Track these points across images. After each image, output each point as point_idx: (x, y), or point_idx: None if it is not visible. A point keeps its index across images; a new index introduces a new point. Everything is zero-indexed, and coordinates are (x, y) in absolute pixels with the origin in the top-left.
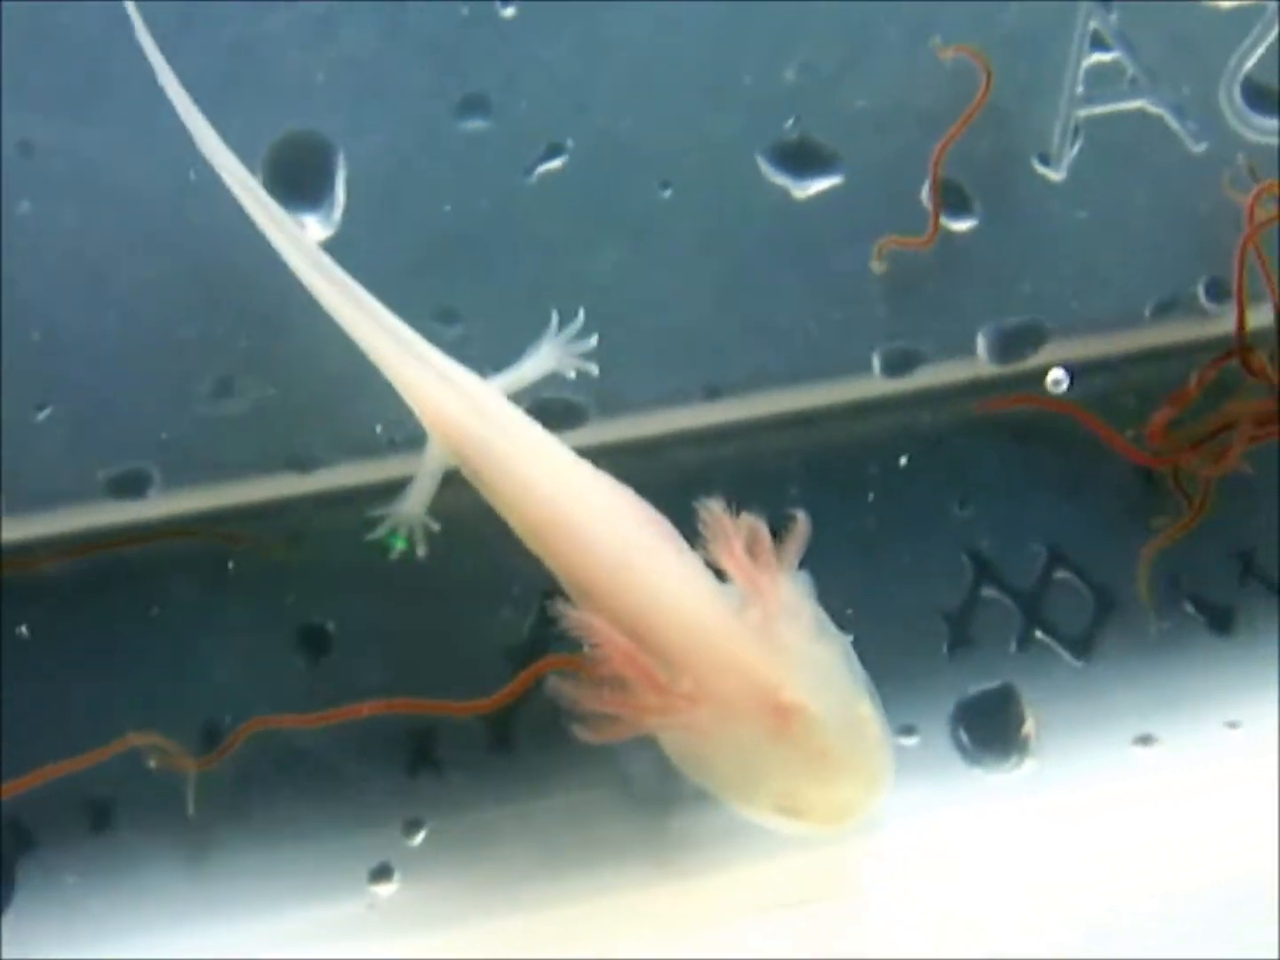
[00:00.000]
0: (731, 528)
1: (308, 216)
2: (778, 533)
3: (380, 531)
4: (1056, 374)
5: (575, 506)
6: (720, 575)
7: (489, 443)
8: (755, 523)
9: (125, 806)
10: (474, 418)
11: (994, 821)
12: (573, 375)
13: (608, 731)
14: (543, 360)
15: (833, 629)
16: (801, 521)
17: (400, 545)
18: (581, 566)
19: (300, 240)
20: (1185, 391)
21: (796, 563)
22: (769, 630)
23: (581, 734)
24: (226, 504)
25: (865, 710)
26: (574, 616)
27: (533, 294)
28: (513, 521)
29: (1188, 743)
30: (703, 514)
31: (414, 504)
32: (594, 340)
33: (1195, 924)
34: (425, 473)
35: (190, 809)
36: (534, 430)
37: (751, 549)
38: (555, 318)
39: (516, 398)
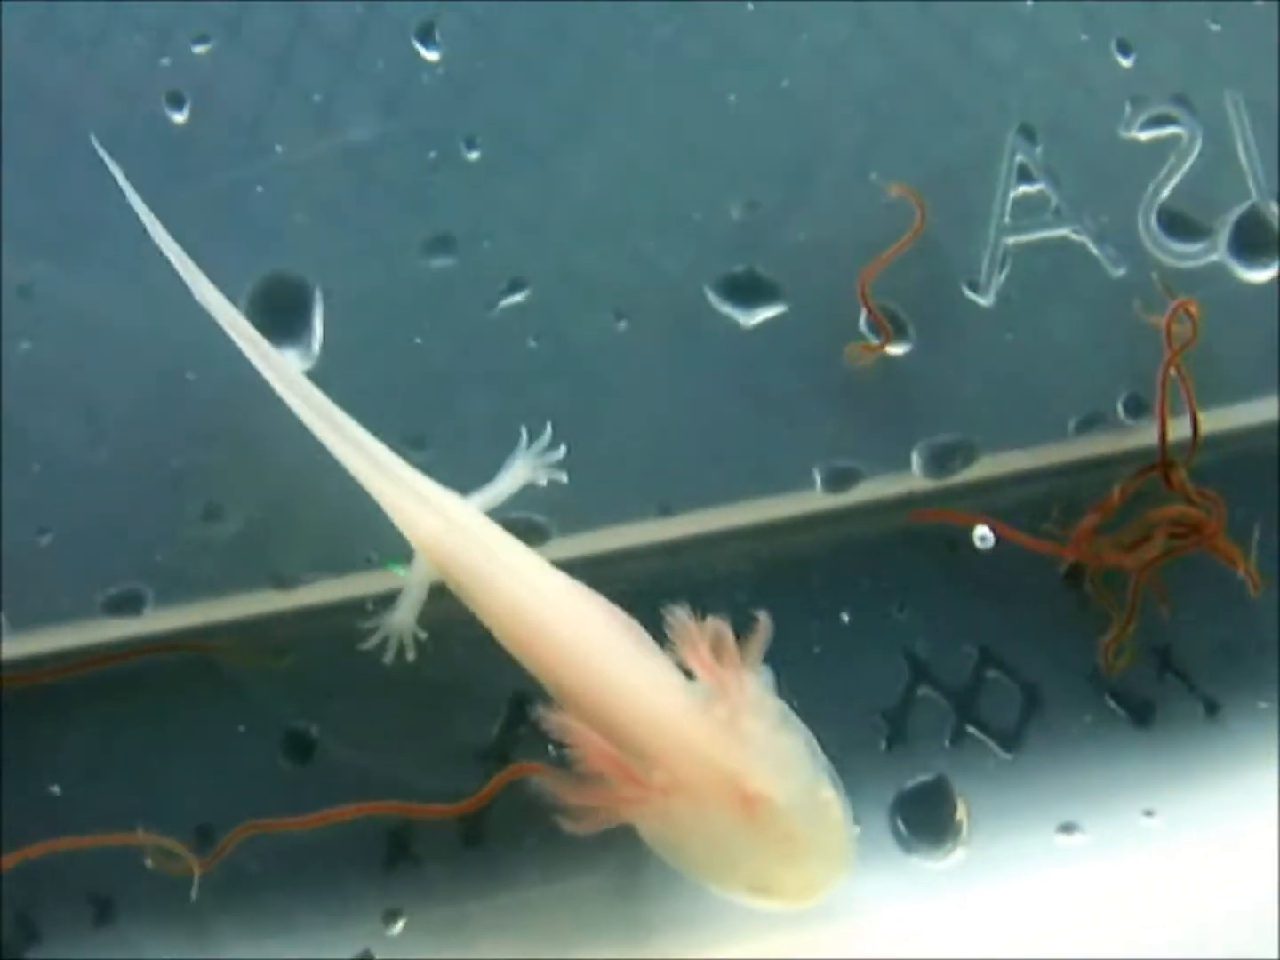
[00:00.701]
0: (696, 630)
1: (288, 350)
2: (740, 634)
3: (373, 641)
4: (982, 531)
5: (551, 614)
6: (689, 674)
7: (469, 558)
8: (719, 624)
9: (126, 902)
10: (454, 534)
11: (928, 905)
12: (544, 483)
13: (589, 822)
14: (517, 474)
15: (795, 720)
16: (763, 622)
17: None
18: (559, 670)
19: (285, 370)
20: (1109, 500)
21: (759, 659)
22: (735, 724)
23: (565, 825)
24: (216, 620)
25: (827, 794)
26: (553, 719)
27: (496, 421)
28: (495, 631)
29: (1107, 830)
30: (669, 619)
31: (404, 614)
32: (562, 451)
33: None
34: (413, 584)
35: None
36: (511, 544)
37: (716, 649)
38: (525, 434)
39: (493, 513)
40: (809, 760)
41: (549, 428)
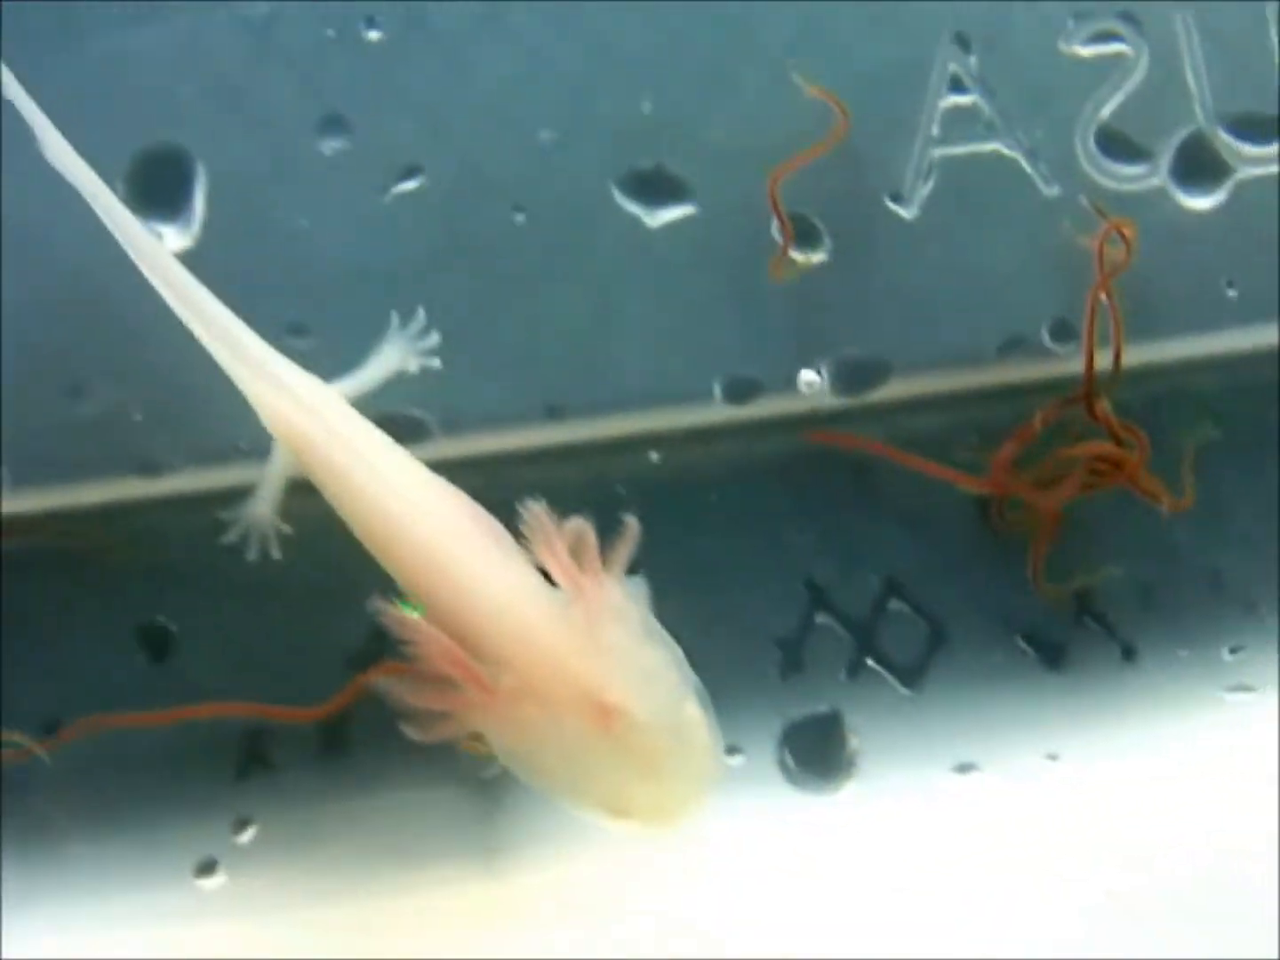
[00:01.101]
0: (553, 528)
1: (166, 227)
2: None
3: (232, 536)
4: (808, 375)
5: (405, 508)
6: (552, 581)
7: (324, 447)
8: (582, 525)
9: None
10: (310, 423)
11: (810, 840)
12: (416, 370)
13: (436, 730)
14: (387, 360)
15: (664, 635)
16: (631, 525)
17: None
18: (411, 567)
19: (151, 247)
20: (1028, 428)
21: (625, 567)
22: (593, 631)
23: (411, 732)
24: (76, 505)
25: (692, 713)
26: (392, 614)
27: (383, 311)
28: (351, 524)
29: (1006, 772)
30: (525, 515)
31: (262, 506)
32: (436, 337)
33: (1008, 945)
34: (271, 475)
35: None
36: (369, 433)
37: (576, 551)
38: (396, 317)
39: (366, 401)
40: (674, 676)
41: (421, 312)
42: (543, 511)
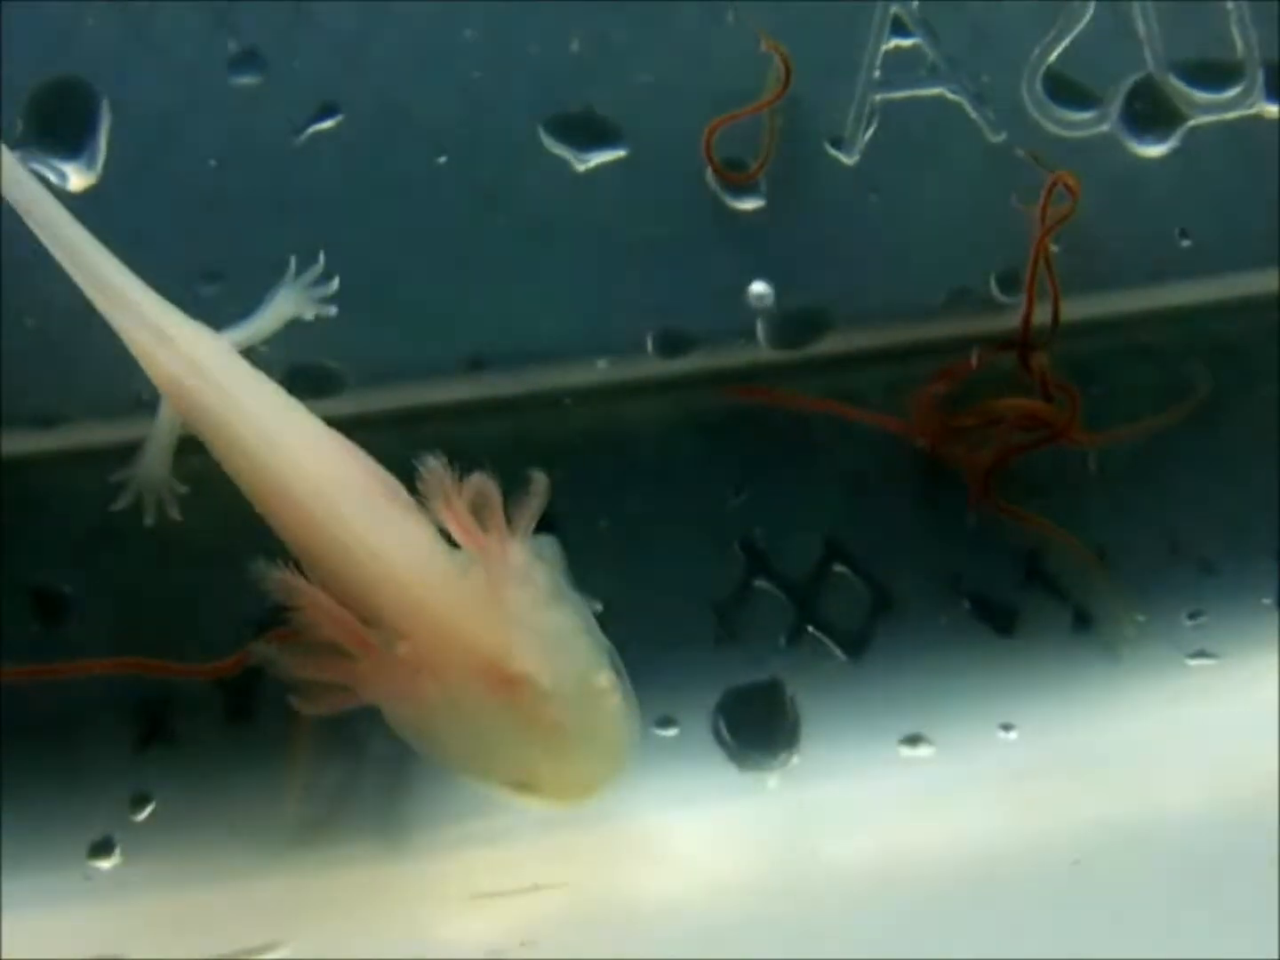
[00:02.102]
0: (453, 485)
1: (67, 164)
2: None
3: (123, 501)
4: (759, 287)
5: (291, 462)
6: (454, 542)
7: (207, 399)
8: (484, 482)
9: None
10: (192, 374)
11: (749, 816)
12: (311, 318)
13: (327, 703)
14: (280, 307)
15: (574, 598)
16: (539, 480)
17: None
18: (297, 524)
19: (26, 189)
20: (960, 366)
21: (532, 526)
22: (496, 595)
23: (300, 705)
24: None
25: (603, 681)
26: (275, 578)
27: (296, 256)
28: (237, 482)
29: (957, 744)
30: (421, 471)
31: (152, 466)
32: (334, 284)
33: (952, 923)
34: (158, 433)
35: None
36: (256, 384)
37: (480, 509)
38: (293, 263)
39: (272, 351)
40: (584, 642)
41: (321, 257)
42: (441, 467)
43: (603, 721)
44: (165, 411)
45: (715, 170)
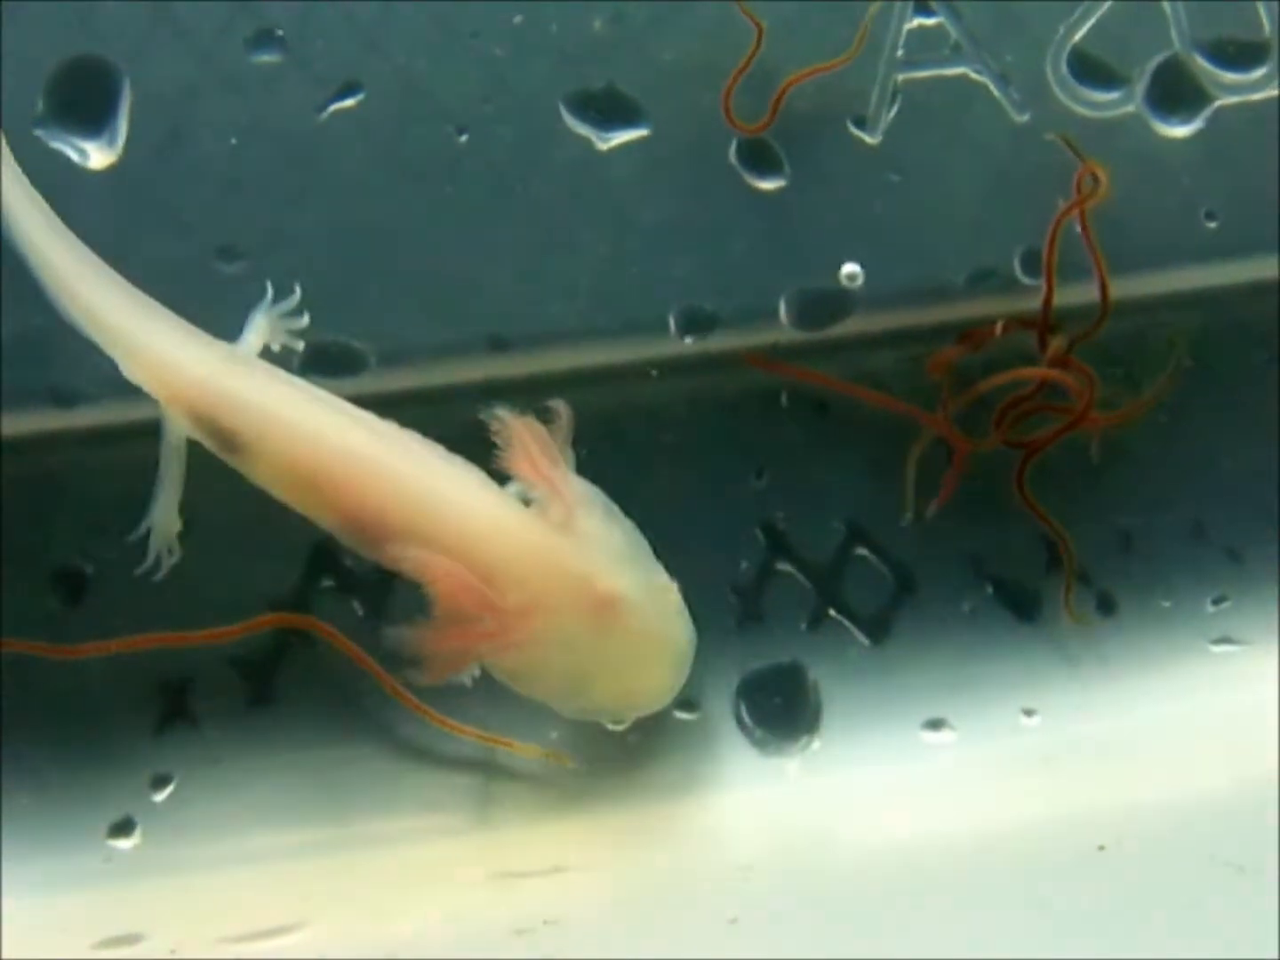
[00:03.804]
0: (524, 432)
1: (89, 143)
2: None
3: (149, 560)
4: (850, 268)
5: (367, 445)
6: (501, 483)
7: (252, 397)
8: (532, 422)
9: None
10: (229, 374)
11: (770, 800)
12: (277, 348)
13: (441, 670)
14: (256, 334)
15: (617, 510)
16: (563, 409)
17: None
18: (376, 504)
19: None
20: (982, 332)
21: (567, 452)
22: (571, 524)
23: (415, 679)
24: None
25: (663, 580)
26: (410, 556)
27: (317, 234)
28: (285, 479)
29: (980, 729)
30: (492, 424)
31: (166, 509)
32: (305, 319)
33: (974, 908)
34: (168, 467)
35: None
36: (295, 380)
37: (538, 448)
38: (270, 290)
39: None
40: (641, 549)
41: (298, 290)
42: (509, 416)
43: (672, 617)
44: (172, 439)
45: (729, 120)
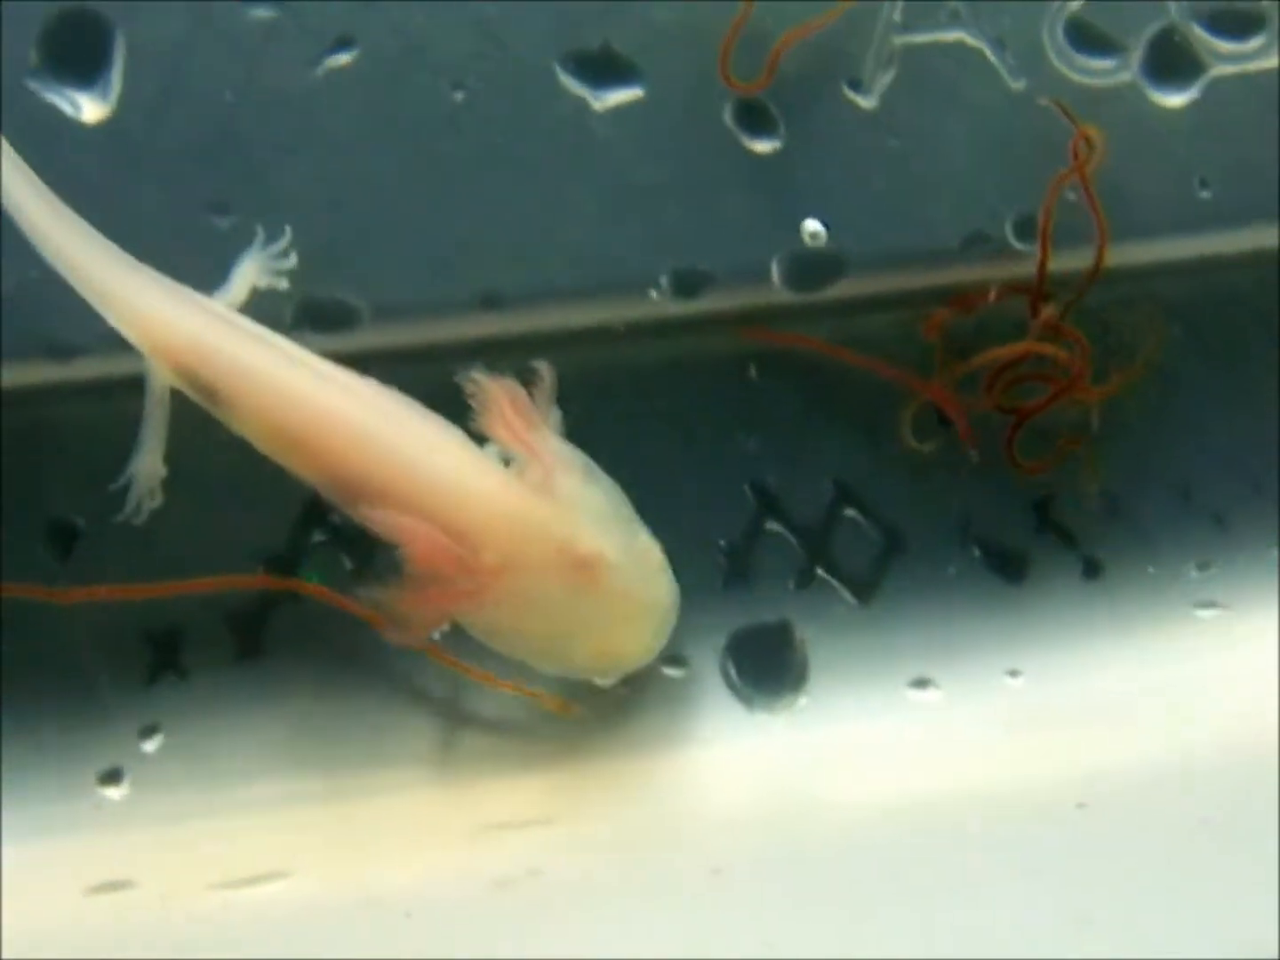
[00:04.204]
0: (500, 394)
1: (82, 95)
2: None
3: (129, 506)
4: (813, 226)
5: (340, 401)
6: (480, 444)
7: (227, 352)
8: (511, 385)
9: None
10: (213, 331)
11: (757, 756)
12: (263, 285)
13: (417, 629)
14: (246, 275)
15: (597, 469)
16: (546, 370)
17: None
18: (355, 463)
19: (21, 190)
20: (976, 297)
21: (550, 412)
22: (549, 486)
23: (391, 638)
24: None
25: (645, 541)
26: (379, 516)
27: (311, 190)
28: (262, 435)
29: (965, 688)
30: (468, 386)
31: (150, 458)
32: (294, 260)
33: (955, 863)
34: (152, 416)
35: None
36: (279, 338)
37: (515, 409)
38: (261, 233)
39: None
40: (623, 510)
41: (288, 231)
42: (484, 378)
43: (654, 577)
44: (156, 389)
45: (725, 76)
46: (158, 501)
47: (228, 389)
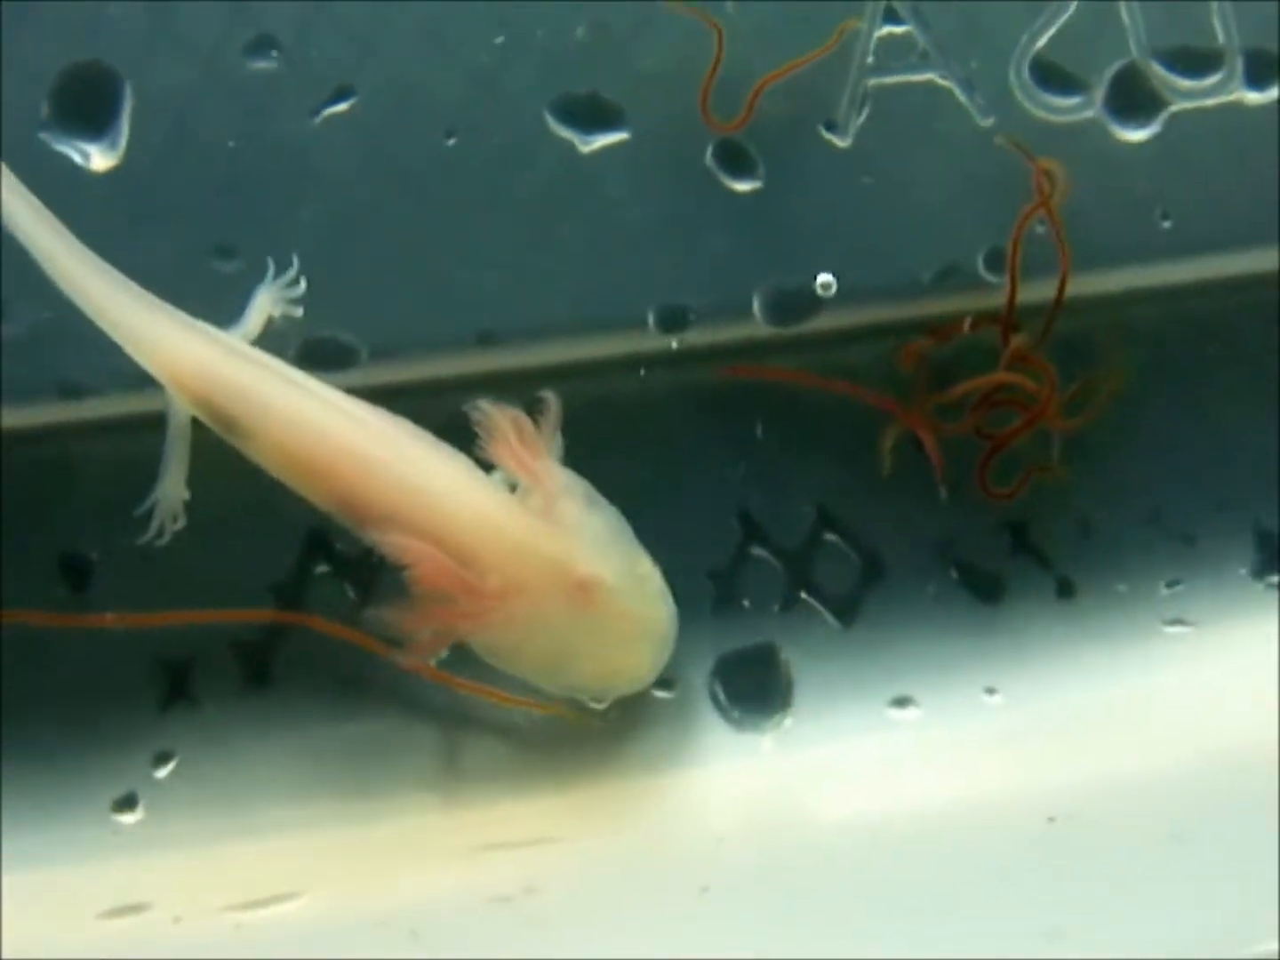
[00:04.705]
0: (504, 422)
1: (91, 146)
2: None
3: (152, 529)
4: (825, 278)
5: (350, 430)
6: (487, 470)
7: (244, 383)
8: (516, 413)
9: None
10: (224, 360)
11: (744, 775)
12: (278, 315)
13: (423, 650)
14: (262, 307)
15: (600, 497)
16: (552, 400)
17: None
18: (365, 490)
19: (20, 213)
20: (954, 327)
21: (554, 442)
22: (552, 512)
23: (398, 660)
24: None
25: (645, 566)
26: (389, 539)
27: (311, 233)
28: (277, 463)
29: (944, 706)
30: (474, 415)
31: (173, 484)
32: (304, 285)
33: (936, 876)
34: (173, 445)
35: None
36: (290, 369)
37: (519, 438)
38: (271, 266)
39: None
40: (623, 535)
41: (295, 261)
42: (489, 407)
43: (654, 601)
44: (177, 418)
45: (705, 115)
46: (181, 523)
47: (243, 418)
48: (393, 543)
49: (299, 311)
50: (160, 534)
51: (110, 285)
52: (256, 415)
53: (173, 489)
